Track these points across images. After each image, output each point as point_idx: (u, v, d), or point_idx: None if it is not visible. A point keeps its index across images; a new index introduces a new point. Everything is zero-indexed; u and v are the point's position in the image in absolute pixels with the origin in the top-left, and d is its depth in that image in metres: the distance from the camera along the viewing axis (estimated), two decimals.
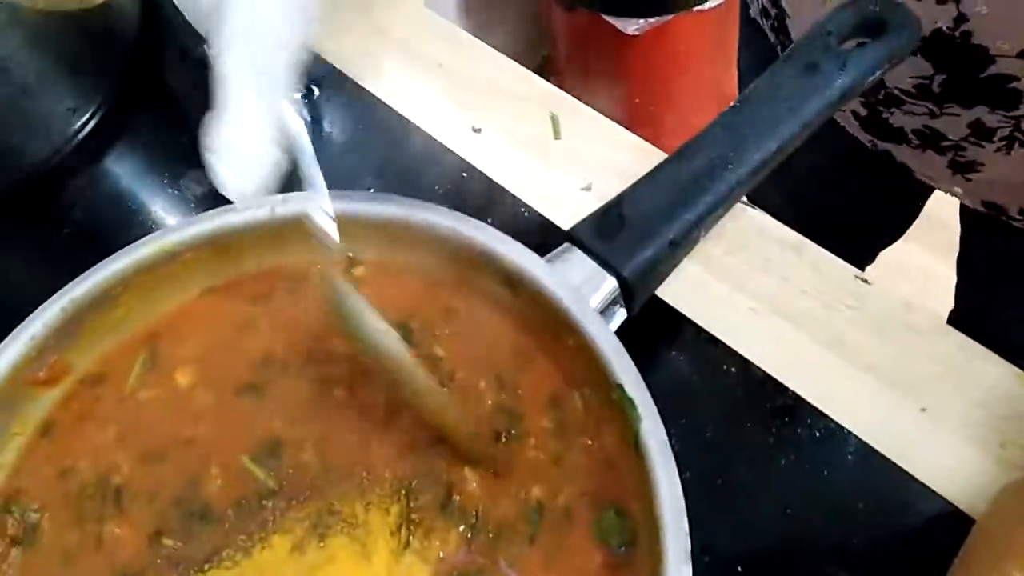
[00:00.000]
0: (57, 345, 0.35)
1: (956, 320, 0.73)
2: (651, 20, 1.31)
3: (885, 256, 0.81)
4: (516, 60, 0.48)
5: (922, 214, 0.73)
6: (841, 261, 0.39)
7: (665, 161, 0.36)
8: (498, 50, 0.48)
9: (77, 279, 0.36)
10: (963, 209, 0.57)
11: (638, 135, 0.44)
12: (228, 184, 0.30)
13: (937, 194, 0.59)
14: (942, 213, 0.68)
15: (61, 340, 0.35)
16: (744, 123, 0.36)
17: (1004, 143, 0.45)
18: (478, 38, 0.48)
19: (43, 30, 0.44)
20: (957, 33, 0.41)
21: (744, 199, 0.38)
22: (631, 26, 1.31)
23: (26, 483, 0.34)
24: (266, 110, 0.30)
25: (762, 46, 0.58)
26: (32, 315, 0.35)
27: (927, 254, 1.24)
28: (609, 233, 0.34)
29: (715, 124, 0.36)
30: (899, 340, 0.36)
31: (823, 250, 0.39)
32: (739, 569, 0.32)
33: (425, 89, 0.47)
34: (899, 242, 0.79)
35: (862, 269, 0.82)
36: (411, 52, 0.48)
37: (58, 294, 0.35)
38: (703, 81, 1.43)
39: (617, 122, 0.45)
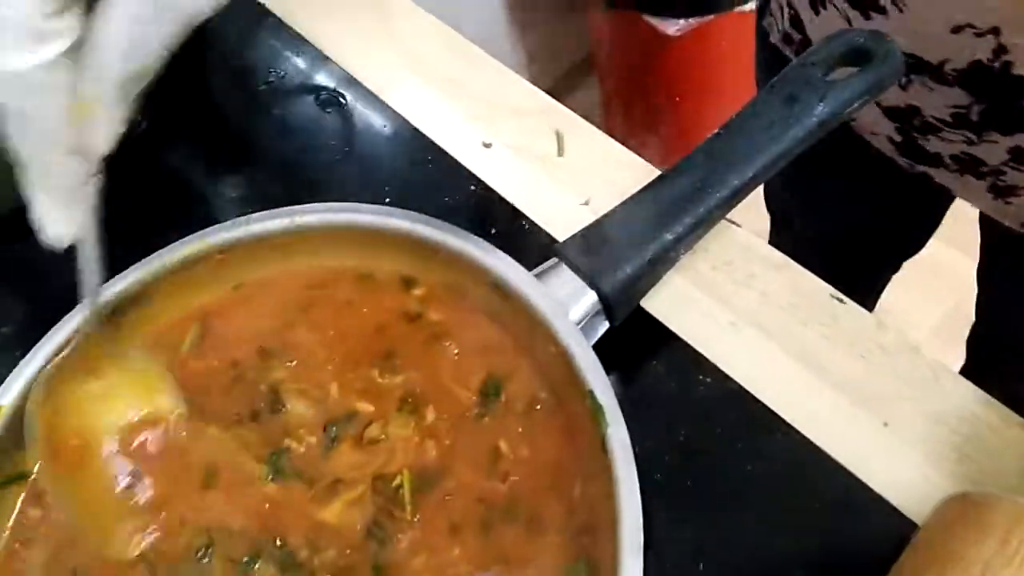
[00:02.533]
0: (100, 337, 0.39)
1: (980, 335, 0.73)
2: (691, 20, 1.32)
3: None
4: (557, 56, 0.50)
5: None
6: (819, 280, 0.41)
7: (650, 184, 0.38)
8: (538, 48, 0.51)
9: (117, 276, 0.40)
10: (986, 221, 0.57)
11: (677, 134, 0.46)
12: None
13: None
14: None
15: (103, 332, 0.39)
16: (725, 150, 0.38)
17: None
18: (521, 34, 0.51)
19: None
20: (997, 64, 0.42)
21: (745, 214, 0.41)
22: (671, 26, 1.33)
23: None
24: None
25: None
26: (77, 307, 0.39)
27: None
28: (593, 250, 0.37)
29: (698, 151, 0.38)
30: (868, 358, 0.38)
31: (804, 269, 0.41)
32: (700, 567, 0.34)
33: (440, 104, 0.50)
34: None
35: (885, 280, 0.82)
36: (428, 68, 0.51)
37: (101, 288, 0.39)
38: (741, 81, 1.43)
39: (656, 121, 0.47)
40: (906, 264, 0.82)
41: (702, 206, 0.37)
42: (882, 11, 0.44)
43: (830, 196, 0.70)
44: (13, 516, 0.37)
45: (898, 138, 0.51)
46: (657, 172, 0.45)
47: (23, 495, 0.37)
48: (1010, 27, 0.40)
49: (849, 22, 0.47)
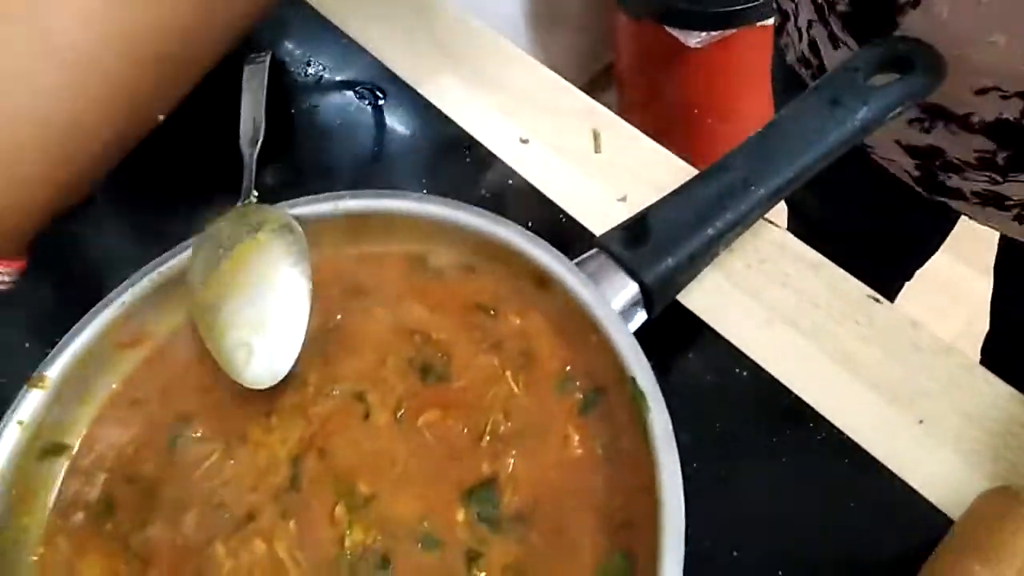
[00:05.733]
0: (142, 313, 0.40)
1: (996, 335, 0.73)
2: (713, 33, 1.33)
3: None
4: (579, 65, 0.51)
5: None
6: (855, 280, 0.41)
7: (692, 179, 0.39)
8: (562, 55, 0.51)
9: (165, 255, 0.41)
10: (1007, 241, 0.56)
11: (697, 145, 0.47)
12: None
13: None
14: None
15: (146, 308, 0.40)
16: (768, 149, 0.38)
17: None
18: (543, 43, 0.52)
19: None
20: None
21: (774, 216, 0.41)
22: (693, 39, 1.34)
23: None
24: None
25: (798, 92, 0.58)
26: (123, 284, 0.40)
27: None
28: (634, 242, 0.37)
29: (741, 148, 0.39)
30: (903, 357, 0.39)
31: (839, 269, 0.42)
32: (734, 554, 0.35)
33: (479, 101, 0.51)
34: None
35: (896, 288, 0.83)
36: (468, 67, 0.52)
37: (147, 267, 0.40)
38: (762, 94, 1.44)
39: (676, 133, 0.48)
40: (919, 282, 0.82)
41: (743, 204, 0.37)
42: None
43: (848, 196, 0.70)
44: (56, 488, 0.37)
45: (916, 173, 0.51)
46: (693, 170, 0.46)
47: (65, 467, 0.38)
48: None
49: None
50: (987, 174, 0.46)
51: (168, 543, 0.36)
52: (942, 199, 0.52)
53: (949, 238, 0.76)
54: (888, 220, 0.70)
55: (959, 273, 1.28)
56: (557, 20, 1.55)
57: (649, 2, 1.32)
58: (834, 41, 0.48)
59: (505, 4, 1.45)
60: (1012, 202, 0.47)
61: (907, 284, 0.85)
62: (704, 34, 1.32)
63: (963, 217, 0.55)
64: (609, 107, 0.50)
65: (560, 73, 0.52)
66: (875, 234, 0.73)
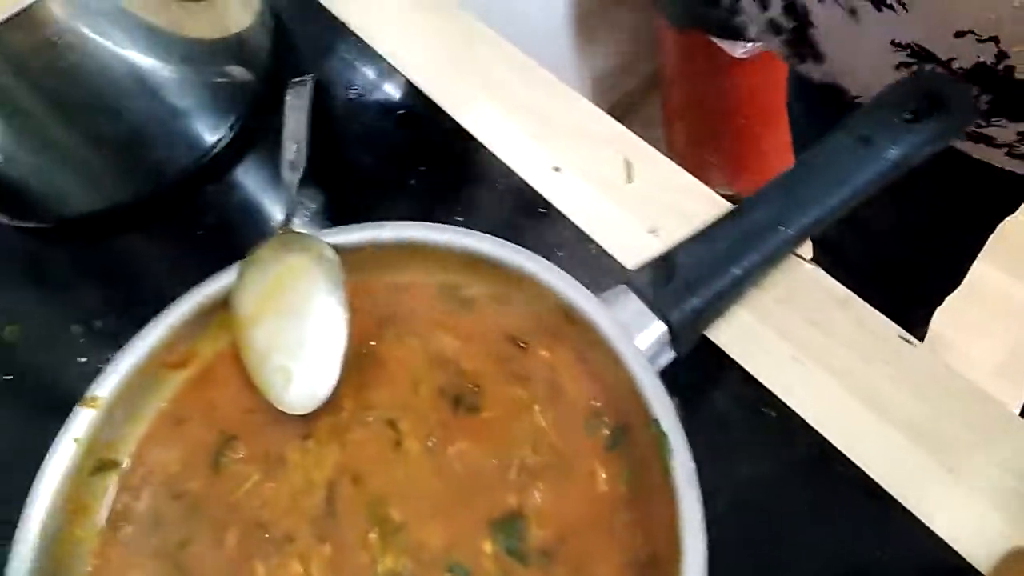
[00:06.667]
0: (189, 334, 0.42)
1: None
2: (759, 44, 1.31)
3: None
4: (621, 74, 0.51)
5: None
6: (886, 319, 0.41)
7: (720, 218, 0.39)
8: (604, 63, 0.52)
9: (211, 278, 0.42)
10: None
11: (740, 156, 0.47)
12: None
13: None
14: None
15: (193, 330, 0.42)
16: (797, 188, 0.39)
17: None
18: (585, 51, 0.52)
19: (195, 58, 0.51)
20: (1000, 67, 0.42)
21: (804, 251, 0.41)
22: (739, 49, 1.33)
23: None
24: None
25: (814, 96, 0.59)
26: (170, 307, 0.42)
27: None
28: (661, 281, 0.38)
29: (770, 186, 0.39)
30: (934, 401, 0.38)
31: (868, 307, 0.42)
32: None
33: (512, 127, 0.51)
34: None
35: (924, 318, 0.82)
36: (504, 93, 0.53)
37: (194, 290, 0.42)
38: None
39: (719, 142, 0.48)
40: (967, 299, 0.81)
41: (771, 243, 0.38)
42: (890, 8, 0.44)
43: (873, 220, 0.69)
44: (108, 503, 0.39)
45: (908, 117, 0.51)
46: (724, 202, 0.46)
47: (116, 483, 0.40)
48: (1008, 38, 0.40)
49: (854, 12, 0.46)
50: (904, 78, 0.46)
51: (210, 560, 0.38)
52: None
53: (990, 247, 0.74)
54: (911, 245, 0.69)
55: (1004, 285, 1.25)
56: (601, 27, 1.55)
57: (694, 13, 1.32)
58: None
59: (549, 11, 1.46)
60: (999, 143, 0.48)
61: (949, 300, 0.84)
62: (750, 44, 1.31)
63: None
64: (652, 115, 0.50)
65: (603, 79, 0.53)
66: (899, 262, 0.72)
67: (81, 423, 0.39)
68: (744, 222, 0.39)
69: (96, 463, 0.39)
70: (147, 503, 0.39)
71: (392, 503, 0.37)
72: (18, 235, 0.55)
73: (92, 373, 0.47)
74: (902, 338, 0.41)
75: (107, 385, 0.40)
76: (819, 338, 0.41)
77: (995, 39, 0.41)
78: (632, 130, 0.51)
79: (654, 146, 0.50)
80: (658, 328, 0.37)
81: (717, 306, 0.38)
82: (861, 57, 0.49)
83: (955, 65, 0.44)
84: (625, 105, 1.65)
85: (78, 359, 0.48)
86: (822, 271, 0.43)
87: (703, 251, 0.38)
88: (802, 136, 0.73)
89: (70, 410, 0.39)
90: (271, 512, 0.38)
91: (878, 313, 0.42)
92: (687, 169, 0.48)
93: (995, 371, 1.34)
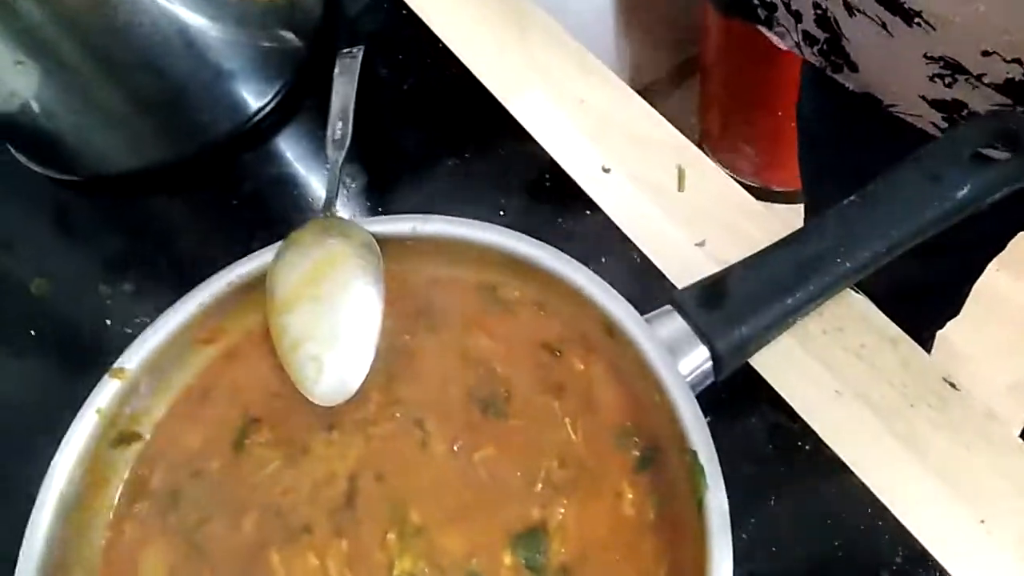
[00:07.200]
0: (220, 312, 0.41)
1: None
2: (814, 60, 1.28)
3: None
4: (662, 56, 0.50)
5: None
6: (932, 359, 0.40)
7: (776, 244, 0.38)
8: (643, 43, 0.50)
9: (244, 259, 0.41)
10: None
11: (773, 148, 0.46)
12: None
13: None
14: None
15: (224, 308, 0.41)
16: (859, 220, 0.37)
17: None
18: (625, 30, 0.51)
19: (246, 20, 0.50)
20: None
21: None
22: (785, 41, 1.29)
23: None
24: None
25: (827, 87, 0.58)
26: (203, 284, 0.41)
27: None
28: (710, 304, 0.37)
29: (830, 215, 0.38)
30: (972, 448, 0.37)
31: (917, 347, 0.40)
32: None
33: (563, 121, 0.50)
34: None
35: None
36: (556, 82, 0.52)
37: (228, 268, 0.41)
38: None
39: (754, 132, 0.47)
40: (983, 314, 0.80)
41: (827, 275, 0.36)
42: (919, 25, 0.44)
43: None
44: (126, 475, 0.39)
45: (944, 125, 0.51)
46: (775, 220, 0.45)
47: (136, 456, 0.39)
48: None
49: (885, 27, 0.46)
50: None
51: (225, 543, 0.37)
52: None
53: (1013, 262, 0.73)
54: (915, 265, 0.68)
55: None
56: (644, 10, 1.51)
57: (743, 2, 1.28)
58: (849, 9, 0.48)
59: None
60: None
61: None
62: None
63: None
64: (687, 100, 0.49)
65: (642, 59, 0.51)
66: (903, 281, 0.72)
67: (106, 394, 0.38)
68: (800, 251, 0.37)
69: (118, 435, 0.39)
70: (165, 479, 0.39)
71: (413, 504, 0.37)
72: (49, 184, 0.54)
73: (117, 335, 0.47)
74: (947, 381, 0.39)
75: (135, 358, 0.39)
76: (864, 374, 0.40)
77: (1019, 61, 0.40)
78: (664, 114, 0.49)
79: (687, 132, 0.48)
80: (702, 354, 0.36)
81: (765, 335, 0.37)
82: (895, 69, 0.49)
83: (986, 80, 0.43)
84: (659, 87, 1.62)
85: (105, 320, 0.47)
86: (872, 304, 0.42)
87: (756, 278, 0.37)
88: (810, 132, 0.72)
89: (93, 372, 0.39)
90: (291, 500, 0.38)
91: (924, 353, 0.41)
92: (718, 156, 0.47)
93: (1006, 390, 1.32)
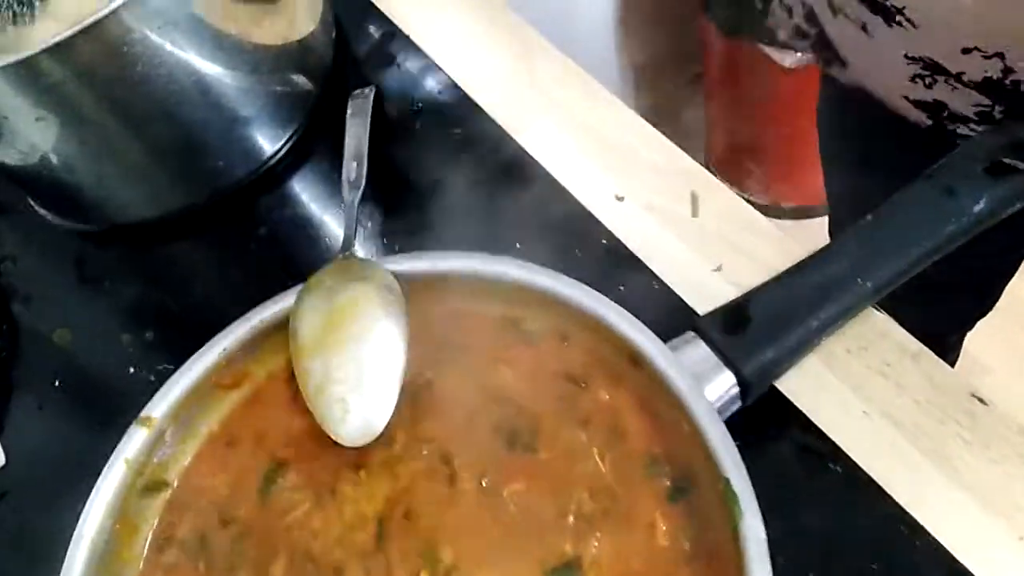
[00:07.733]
0: (243, 356, 0.42)
1: None
2: (809, 55, 1.29)
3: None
4: (667, 74, 0.51)
5: None
6: (957, 375, 0.40)
7: (796, 266, 0.38)
8: (648, 61, 0.51)
9: (266, 302, 0.42)
10: None
11: (780, 165, 0.46)
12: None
13: None
14: None
15: (247, 352, 0.42)
16: (877, 239, 0.37)
17: None
18: (629, 49, 0.51)
19: (260, 66, 0.51)
20: (1008, 81, 0.43)
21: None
22: (788, 59, 1.30)
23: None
24: None
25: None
26: (226, 329, 0.41)
27: None
28: (733, 329, 0.37)
29: (849, 235, 0.38)
30: (1005, 464, 0.37)
31: (939, 360, 0.40)
32: None
33: (574, 152, 0.50)
34: None
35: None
36: (565, 113, 0.52)
37: (250, 313, 0.42)
38: None
39: (760, 150, 0.48)
40: (1008, 323, 0.79)
41: (849, 296, 0.36)
42: (899, 24, 0.45)
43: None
44: (154, 524, 0.39)
45: (929, 123, 0.51)
46: (790, 241, 0.45)
47: (164, 504, 0.39)
48: (1014, 52, 0.40)
49: (865, 28, 0.47)
50: (987, 125, 0.47)
51: None
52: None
53: None
54: (944, 263, 0.68)
55: None
56: (649, 24, 1.52)
57: (744, 20, 1.29)
58: (832, 9, 0.49)
59: (596, 8, 1.44)
60: None
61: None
62: (799, 55, 1.29)
63: None
64: (694, 117, 0.50)
65: (647, 77, 0.52)
66: (931, 282, 0.71)
67: (134, 444, 0.39)
68: (821, 272, 0.37)
69: (146, 484, 0.39)
70: (194, 526, 0.39)
71: (444, 543, 0.36)
72: (67, 237, 0.54)
73: (141, 383, 0.47)
74: (975, 397, 0.39)
75: (161, 406, 0.40)
76: (890, 392, 0.39)
77: (1000, 55, 0.41)
78: (669, 136, 0.50)
79: (692, 153, 0.49)
80: (728, 380, 0.36)
81: (790, 358, 0.37)
82: (878, 67, 0.50)
83: (965, 78, 0.44)
84: (666, 105, 1.63)
85: (128, 368, 0.48)
86: (894, 321, 0.41)
87: (778, 301, 0.37)
88: (828, 138, 0.72)
89: (118, 421, 0.39)
90: (320, 544, 0.38)
91: (948, 367, 0.40)
92: (725, 174, 0.47)
93: None
